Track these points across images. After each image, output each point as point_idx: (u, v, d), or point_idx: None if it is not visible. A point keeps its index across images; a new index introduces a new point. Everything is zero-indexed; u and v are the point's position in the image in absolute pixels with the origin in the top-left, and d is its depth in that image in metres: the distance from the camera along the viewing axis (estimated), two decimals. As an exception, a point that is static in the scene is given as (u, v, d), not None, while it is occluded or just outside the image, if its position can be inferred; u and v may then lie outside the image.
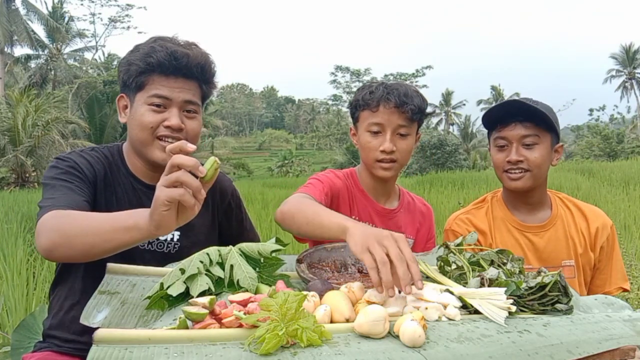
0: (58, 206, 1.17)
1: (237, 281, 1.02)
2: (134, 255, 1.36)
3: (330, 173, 1.70)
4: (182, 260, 1.10)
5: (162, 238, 1.41)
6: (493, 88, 53.55)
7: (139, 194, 1.40)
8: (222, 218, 1.57)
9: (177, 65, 1.31)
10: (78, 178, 1.29)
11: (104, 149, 1.43)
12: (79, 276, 1.37)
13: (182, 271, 1.03)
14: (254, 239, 1.64)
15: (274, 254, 1.10)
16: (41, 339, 1.45)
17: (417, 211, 1.78)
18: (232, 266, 1.05)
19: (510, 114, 1.60)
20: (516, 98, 1.63)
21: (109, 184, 1.36)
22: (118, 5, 31.54)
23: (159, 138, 1.33)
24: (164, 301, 0.98)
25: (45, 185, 1.27)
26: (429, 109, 1.69)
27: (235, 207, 1.61)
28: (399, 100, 1.55)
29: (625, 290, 1.69)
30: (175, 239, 1.43)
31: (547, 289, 1.04)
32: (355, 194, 1.68)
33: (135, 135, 1.34)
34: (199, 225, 1.48)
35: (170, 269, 1.11)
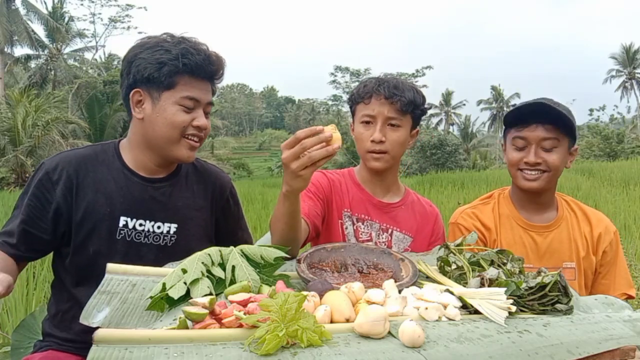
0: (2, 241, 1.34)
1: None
2: (130, 248, 1.37)
3: (317, 174, 1.72)
4: (180, 255, 1.14)
5: (157, 230, 1.42)
6: (493, 88, 53.43)
7: (137, 188, 1.42)
8: (219, 214, 1.57)
9: (211, 69, 1.40)
10: (42, 196, 1.36)
11: (96, 146, 1.47)
12: (73, 277, 1.39)
13: (184, 271, 1.03)
14: (248, 240, 1.65)
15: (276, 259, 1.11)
16: (41, 338, 1.45)
17: (420, 211, 1.77)
18: (233, 267, 1.06)
19: (533, 115, 1.58)
20: (542, 100, 1.58)
21: (102, 182, 1.39)
22: (118, 6, 31.61)
23: (185, 136, 1.39)
24: (163, 302, 0.98)
25: (20, 196, 1.39)
26: (427, 107, 1.69)
27: (233, 205, 1.62)
28: (389, 92, 1.59)
29: (630, 297, 1.65)
30: (172, 232, 1.43)
31: (547, 289, 1.04)
32: (349, 188, 1.71)
33: (162, 132, 1.37)
34: (196, 218, 1.49)
35: (171, 269, 1.11)
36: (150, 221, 1.41)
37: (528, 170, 1.59)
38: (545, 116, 1.56)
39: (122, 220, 1.38)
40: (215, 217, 1.56)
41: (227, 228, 1.59)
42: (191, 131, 1.38)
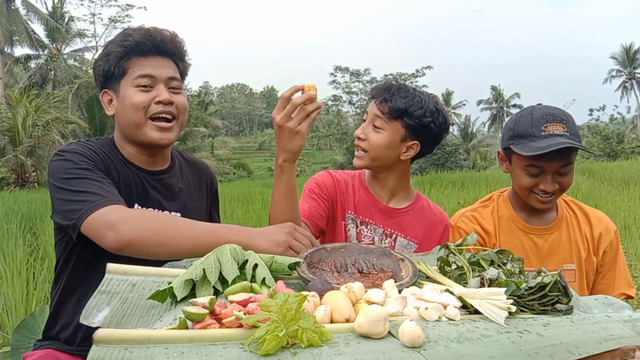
0: (113, 201, 1.21)
1: (263, 279, 1.04)
2: None
3: (323, 174, 1.74)
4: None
5: None
6: (493, 88, 53.44)
7: (140, 178, 1.43)
8: (210, 203, 1.62)
9: (153, 42, 1.38)
10: (98, 169, 1.32)
11: (96, 140, 1.45)
12: (80, 276, 1.37)
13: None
14: None
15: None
16: (40, 338, 1.45)
17: (429, 217, 1.74)
18: (256, 265, 1.07)
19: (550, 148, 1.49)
20: (560, 137, 1.50)
21: (110, 170, 1.38)
22: (118, 6, 31.52)
23: (152, 119, 1.37)
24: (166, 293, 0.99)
25: (66, 180, 1.26)
26: (431, 122, 1.59)
27: (217, 196, 1.67)
28: (377, 92, 1.62)
29: (629, 297, 1.64)
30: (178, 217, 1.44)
31: (547, 289, 1.04)
32: (356, 190, 1.71)
33: (129, 118, 1.37)
34: (195, 207, 1.52)
35: (170, 269, 1.11)
36: (158, 209, 1.43)
37: (543, 194, 1.57)
38: (560, 151, 1.48)
39: (137, 206, 1.39)
40: (208, 206, 1.61)
41: (212, 218, 1.63)
42: (155, 109, 1.36)
